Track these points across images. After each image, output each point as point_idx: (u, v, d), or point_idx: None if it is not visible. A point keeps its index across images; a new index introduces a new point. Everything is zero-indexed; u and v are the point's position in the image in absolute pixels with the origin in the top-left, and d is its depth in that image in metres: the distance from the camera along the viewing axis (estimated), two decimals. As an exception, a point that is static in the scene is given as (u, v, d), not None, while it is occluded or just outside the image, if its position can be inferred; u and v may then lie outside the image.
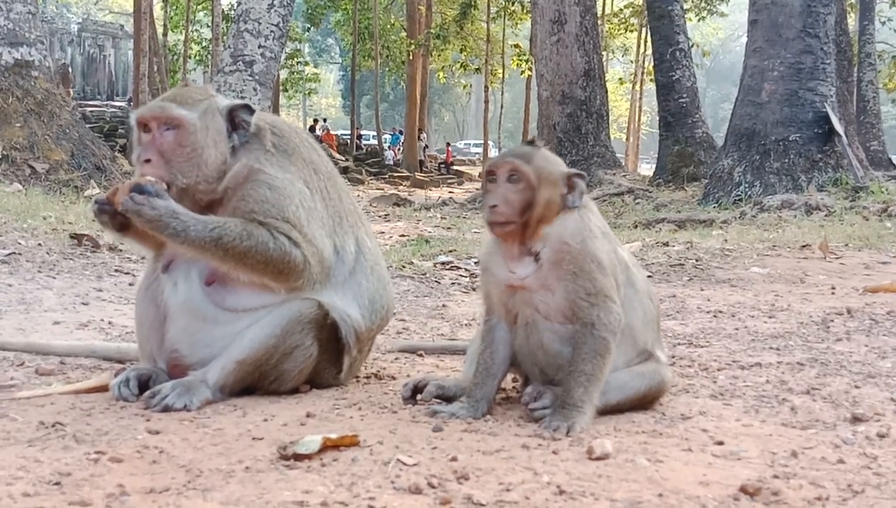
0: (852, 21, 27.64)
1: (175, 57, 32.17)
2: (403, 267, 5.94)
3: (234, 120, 2.34)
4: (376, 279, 2.43)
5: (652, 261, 6.52)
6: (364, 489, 1.58)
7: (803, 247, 7.43)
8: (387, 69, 35.36)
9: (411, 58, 30.57)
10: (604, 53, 32.28)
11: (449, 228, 12.48)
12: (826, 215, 9.52)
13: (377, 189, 23.46)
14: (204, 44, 31.10)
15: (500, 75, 29.69)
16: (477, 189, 25.75)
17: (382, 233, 11.64)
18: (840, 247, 7.52)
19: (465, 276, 6.07)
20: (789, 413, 2.20)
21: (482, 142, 31.92)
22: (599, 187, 17.19)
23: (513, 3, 27.55)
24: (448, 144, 40.36)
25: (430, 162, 35.39)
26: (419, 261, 6.52)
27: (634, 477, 1.66)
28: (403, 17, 34.11)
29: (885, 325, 3.53)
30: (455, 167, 36.42)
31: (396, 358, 2.88)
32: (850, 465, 1.75)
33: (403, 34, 32.55)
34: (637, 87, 33.08)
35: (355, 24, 30.44)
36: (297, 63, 35.72)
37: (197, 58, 32.13)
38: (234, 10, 11.28)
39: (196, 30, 33.19)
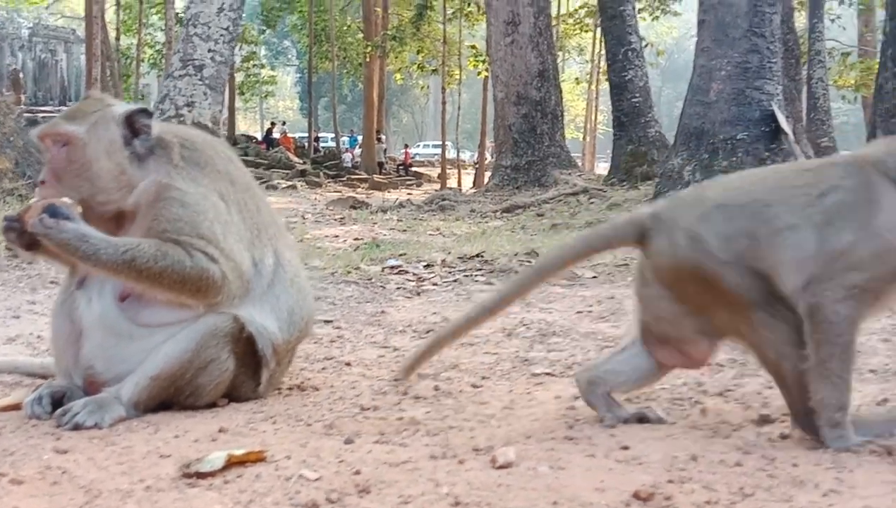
0: (802, 19, 28.08)
1: (128, 61, 31.77)
2: (349, 272, 5.93)
3: (134, 126, 2.32)
4: (295, 291, 2.43)
5: (598, 262, 6.56)
6: (261, 506, 1.58)
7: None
8: (344, 71, 35.19)
9: (368, 60, 30.47)
10: (560, 54, 32.48)
11: (404, 231, 12.48)
12: (772, 212, 9.70)
13: (335, 191, 23.34)
14: (157, 47, 30.76)
15: (457, 76, 29.71)
16: (436, 190, 25.80)
17: (336, 236, 11.61)
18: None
19: (412, 281, 6.08)
20: (699, 415, 2.24)
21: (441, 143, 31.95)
22: (555, 187, 17.31)
23: (469, 5, 27.61)
24: (406, 146, 40.33)
25: (389, 163, 35.34)
26: (366, 266, 6.51)
27: (534, 486, 1.68)
28: (360, 18, 34.01)
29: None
30: (414, 168, 36.41)
31: (324, 368, 2.88)
32: (746, 468, 1.79)
33: (360, 36, 32.45)
34: (593, 87, 33.31)
35: (311, 26, 30.27)
36: (254, 66, 35.45)
37: (150, 61, 31.75)
38: (184, 15, 11.17)
39: (149, 33, 32.81)
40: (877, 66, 19.66)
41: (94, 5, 23.12)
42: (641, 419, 2.17)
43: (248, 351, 2.33)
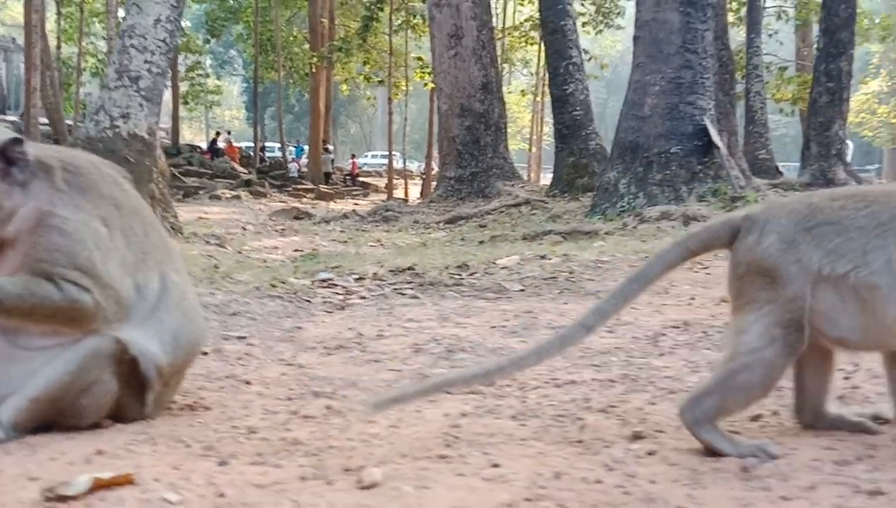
0: (741, 34, 28.66)
1: (69, 70, 31.25)
2: (274, 286, 5.92)
3: (9, 157, 2.30)
4: (181, 314, 2.43)
5: (527, 275, 6.64)
6: (116, 531, 1.59)
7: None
8: (290, 81, 35.09)
9: (314, 70, 30.41)
10: (505, 66, 32.76)
11: (345, 242, 12.48)
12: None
13: (279, 202, 23.23)
14: (100, 56, 30.32)
15: (404, 87, 29.78)
16: (382, 200, 25.80)
17: (276, 247, 11.58)
18: (710, 258, 7.81)
19: (340, 294, 6.09)
20: (578, 431, 2.29)
21: (389, 153, 31.97)
22: (498, 198, 17.46)
23: (414, 17, 27.72)
24: (353, 156, 40.26)
25: (337, 174, 35.25)
26: (295, 279, 6.50)
27: (393, 505, 1.72)
28: (306, 29, 33.94)
29: (714, 338, 3.70)
30: (361, 179, 36.36)
31: (222, 387, 2.89)
32: (605, 485, 1.84)
33: (306, 46, 32.36)
34: (539, 99, 33.64)
35: (257, 36, 30.16)
36: (199, 75, 35.12)
37: (92, 70, 31.28)
38: (120, 26, 11.05)
39: (91, 42, 32.33)
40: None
41: (34, 14, 22.72)
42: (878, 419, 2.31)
43: (131, 372, 2.33)
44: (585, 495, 1.78)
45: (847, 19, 19.23)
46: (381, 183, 34.40)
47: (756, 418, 2.39)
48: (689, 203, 11.00)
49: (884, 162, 51.59)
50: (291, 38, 34.04)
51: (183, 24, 24.44)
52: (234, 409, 2.57)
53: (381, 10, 27.24)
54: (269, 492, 1.81)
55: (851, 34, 19.69)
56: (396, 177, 31.77)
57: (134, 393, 2.37)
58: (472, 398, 2.69)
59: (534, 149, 35.77)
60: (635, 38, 12.06)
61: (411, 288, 6.16)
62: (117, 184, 2.47)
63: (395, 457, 2.07)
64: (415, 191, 31.42)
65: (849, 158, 28.01)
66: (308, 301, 5.59)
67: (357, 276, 6.83)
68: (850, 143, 29.78)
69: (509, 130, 44.94)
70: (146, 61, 11.16)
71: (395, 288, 6.20)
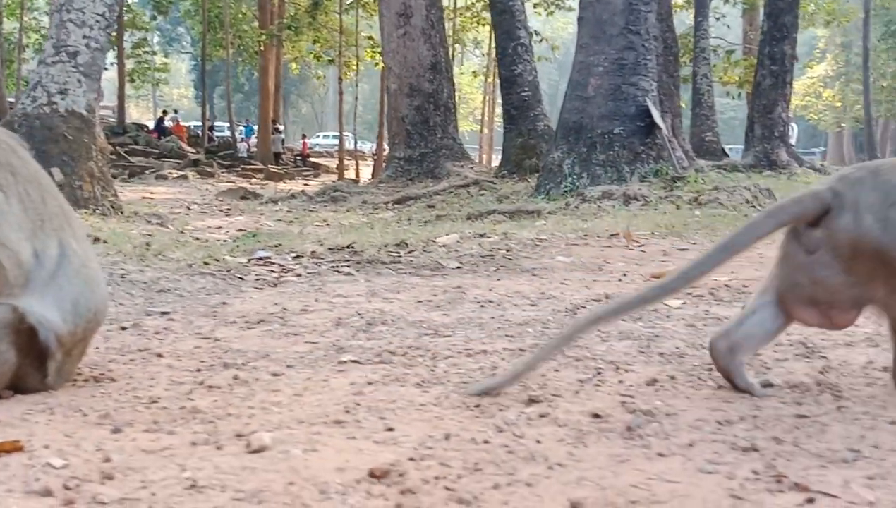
0: (690, 17, 28.93)
1: (11, 46, 30.48)
2: (207, 263, 5.87)
3: None
4: (81, 282, 2.41)
5: (465, 253, 6.67)
6: (-8, 494, 1.58)
7: (612, 235, 7.79)
8: (239, 59, 34.66)
9: (263, 48, 30.06)
10: (457, 46, 32.71)
11: (291, 222, 12.40)
12: (643, 204, 10.02)
13: (227, 182, 22.97)
14: (42, 32, 29.61)
15: (355, 67, 29.58)
16: (332, 181, 25.66)
17: (219, 227, 11.47)
18: (646, 236, 7.93)
19: (276, 272, 6.06)
20: (477, 397, 2.33)
21: (339, 133, 31.76)
22: (447, 179, 17.48)
23: (365, -5, 27.56)
24: (304, 136, 39.94)
25: (287, 154, 34.96)
26: (230, 257, 6.46)
27: (278, 468, 1.74)
28: (255, 6, 33.50)
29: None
30: (312, 159, 36.11)
31: (132, 360, 2.87)
32: (491, 445, 1.88)
33: (255, 24, 31.97)
34: (490, 80, 33.67)
35: (205, 12, 29.68)
36: (145, 52, 34.50)
37: (35, 46, 30.55)
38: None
39: (34, 17, 31.56)
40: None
41: (-29, -13, 22.11)
42: (766, 384, 2.44)
43: (30, 342, 2.31)
44: (470, 454, 1.82)
45: (791, 3, 19.58)
46: (333, 163, 34.21)
47: (651, 382, 2.46)
48: (632, 183, 11.14)
49: (828, 145, 52.72)
50: (240, 16, 33.56)
51: (127, -1, 23.91)
52: (140, 380, 2.56)
53: (332, -12, 27.02)
54: (157, 457, 1.81)
55: (795, 18, 20.05)
56: (348, 157, 31.60)
57: (34, 363, 2.35)
58: (382, 367, 2.71)
59: (485, 131, 35.83)
60: (579, 19, 12.14)
61: (348, 266, 6.16)
62: (13, 151, 2.44)
63: (292, 423, 2.08)
64: (366, 172, 31.30)
65: (793, 140, 28.57)
66: (241, 278, 5.55)
67: (295, 254, 6.81)
68: (794, 126, 30.44)
69: (461, 111, 44.92)
70: (84, 36, 10.96)
71: (332, 266, 6.20)
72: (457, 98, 21.95)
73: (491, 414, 2.15)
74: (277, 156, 31.91)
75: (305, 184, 24.33)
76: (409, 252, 6.71)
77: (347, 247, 7.02)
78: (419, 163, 18.89)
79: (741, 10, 31.06)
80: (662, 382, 2.45)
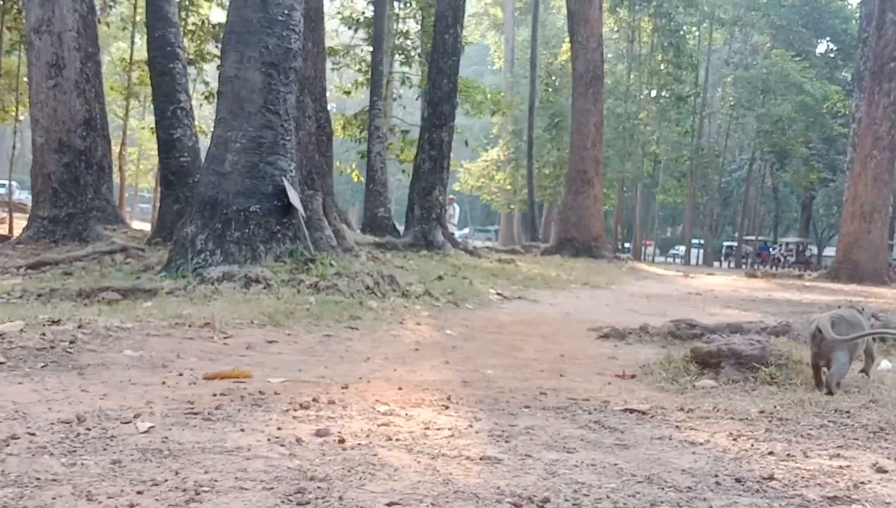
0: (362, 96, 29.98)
1: None
2: None
3: None
4: None
5: (19, 345, 6.02)
6: None
7: (206, 324, 7.50)
8: None
9: None
10: (134, 101, 31.27)
11: None
12: (263, 287, 9.85)
13: None
14: None
15: (14, 112, 27.23)
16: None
17: None
18: (243, 325, 7.72)
19: None
20: None
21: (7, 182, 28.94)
22: (93, 244, 16.34)
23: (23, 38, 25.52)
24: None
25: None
26: None
27: None
28: None
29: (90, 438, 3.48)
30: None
31: None
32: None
33: None
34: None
35: None
36: None
37: None
38: None
39: None
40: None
41: None
42: None
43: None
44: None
45: (449, 93, 20.90)
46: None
47: None
48: (266, 262, 11.01)
49: (501, 224, 56.91)
50: None
51: None
52: None
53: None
54: None
55: (452, 107, 21.42)
56: (5, 210, 28.74)
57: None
58: None
59: (160, 189, 34.35)
60: (218, 93, 11.95)
61: None
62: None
63: None
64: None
65: (455, 221, 30.39)
66: None
67: None
68: (456, 207, 32.37)
69: (142, 167, 42.87)
70: None
71: None
72: (137, 154, 20.77)
73: None
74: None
75: (-61, 239, 21.65)
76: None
77: None
78: (66, 225, 17.52)
79: (418, 92, 32.81)
80: None
